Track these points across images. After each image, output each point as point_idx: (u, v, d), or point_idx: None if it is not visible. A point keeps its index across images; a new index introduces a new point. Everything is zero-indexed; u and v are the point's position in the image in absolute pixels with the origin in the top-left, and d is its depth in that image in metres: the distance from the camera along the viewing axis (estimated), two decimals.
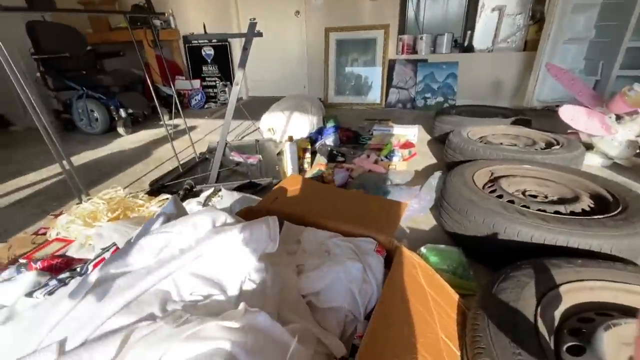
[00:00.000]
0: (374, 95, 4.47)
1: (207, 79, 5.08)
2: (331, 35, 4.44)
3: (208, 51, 4.99)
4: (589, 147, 2.20)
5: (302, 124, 2.93)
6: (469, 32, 4.13)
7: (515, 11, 3.88)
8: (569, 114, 2.08)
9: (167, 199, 1.74)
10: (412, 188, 1.72)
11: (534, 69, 3.69)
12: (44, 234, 1.58)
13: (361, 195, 1.17)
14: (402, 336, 0.72)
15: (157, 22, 4.58)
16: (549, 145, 1.99)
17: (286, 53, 4.89)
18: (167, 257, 0.58)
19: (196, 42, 4.94)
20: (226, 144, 2.09)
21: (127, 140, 3.32)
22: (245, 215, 0.98)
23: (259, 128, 3.12)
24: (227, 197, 1.52)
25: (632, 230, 1.05)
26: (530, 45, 3.81)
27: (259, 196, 1.66)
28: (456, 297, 0.94)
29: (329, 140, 2.64)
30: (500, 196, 1.37)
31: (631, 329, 0.72)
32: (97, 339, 0.46)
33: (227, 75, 5.02)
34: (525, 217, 1.13)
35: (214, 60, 5.02)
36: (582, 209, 1.29)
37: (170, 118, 3.79)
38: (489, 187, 1.50)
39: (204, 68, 5.05)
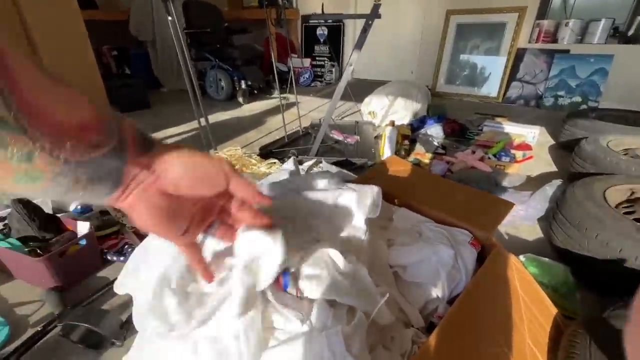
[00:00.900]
0: (490, 88, 4.03)
1: (317, 58, 5.34)
2: (452, 18, 4.11)
3: (322, 31, 5.20)
4: None
5: (405, 111, 2.87)
6: (638, 18, 3.29)
7: None
8: None
9: (274, 162, 1.98)
10: (522, 193, 1.57)
11: None
12: None
13: (463, 186, 1.13)
14: (484, 328, 0.72)
15: (281, 2, 4.99)
16: None
17: (398, 36, 4.75)
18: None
19: (313, 21, 5.19)
20: None
21: (244, 109, 3.80)
22: None
23: (360, 110, 3.18)
24: (327, 170, 1.65)
25: None
26: None
27: (354, 174, 1.75)
28: (554, 310, 0.87)
29: (432, 130, 2.53)
30: (639, 219, 1.14)
31: None
32: None
33: (337, 55, 5.17)
34: None
35: (327, 40, 5.21)
36: None
37: (282, 93, 4.16)
38: (625, 207, 1.27)
39: (316, 47, 5.31)
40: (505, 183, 1.81)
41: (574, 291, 1.05)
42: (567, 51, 3.56)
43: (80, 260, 1.20)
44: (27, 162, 0.23)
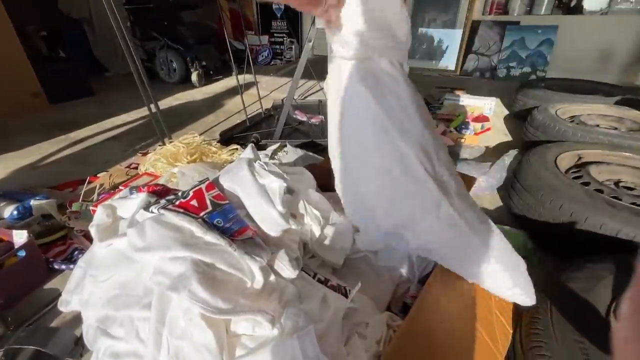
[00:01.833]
0: (448, 61, 4.10)
1: (275, 34, 5.09)
2: None
3: (279, 5, 4.94)
4: None
5: None
6: None
7: None
8: None
9: (237, 149, 1.88)
10: (482, 164, 1.62)
11: None
12: (136, 168, 1.83)
13: None
14: (454, 304, 0.73)
15: None
16: None
17: None
18: None
19: None
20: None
21: (200, 92, 3.56)
22: (310, 171, 1.03)
23: (322, 89, 3.10)
24: (292, 153, 1.59)
25: None
26: None
27: (320, 156, 1.70)
28: None
29: None
30: (586, 183, 1.23)
31: None
32: None
33: (295, 32, 4.97)
34: (614, 209, 1.01)
35: (284, 15, 4.97)
36: None
37: (240, 73, 3.94)
38: (574, 172, 1.35)
39: (274, 23, 5.05)
40: (466, 155, 1.87)
41: (532, 256, 1.12)
42: (517, 23, 3.69)
43: (20, 274, 1.06)
44: None
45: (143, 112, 2.73)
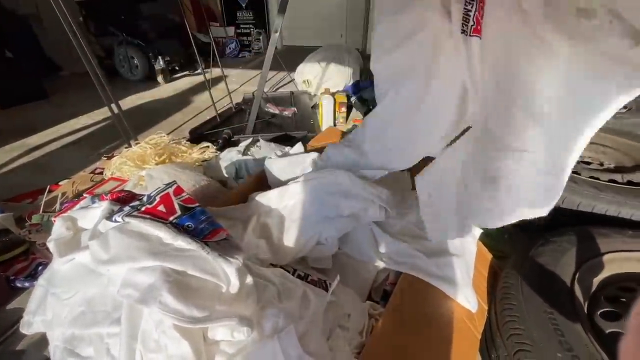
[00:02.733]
0: None
1: (241, 26, 4.93)
2: None
3: None
4: None
5: (339, 77, 2.82)
6: None
7: None
8: None
9: (208, 146, 1.82)
10: None
11: None
12: (101, 173, 1.73)
13: None
14: (432, 288, 0.75)
15: None
16: None
17: None
18: None
19: None
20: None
21: (166, 88, 3.41)
22: None
23: (293, 80, 3.06)
24: (265, 148, 1.56)
25: None
26: None
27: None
28: (489, 256, 0.95)
29: (366, 94, 2.54)
30: None
31: None
32: None
33: (262, 22, 4.83)
34: (574, 184, 1.07)
35: (249, 5, 4.81)
36: None
37: (207, 67, 3.80)
38: None
39: (239, 14, 4.89)
40: None
41: (503, 233, 1.17)
42: None
43: None
44: None
45: (105, 112, 2.57)
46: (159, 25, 3.84)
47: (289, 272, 0.72)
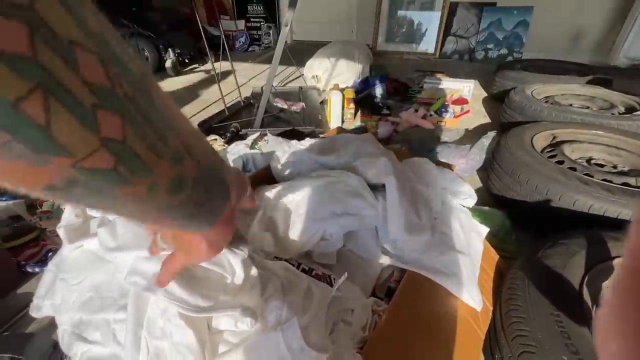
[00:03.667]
0: (428, 44, 4.10)
1: (252, 19, 4.92)
2: None
3: None
4: None
5: (348, 73, 2.80)
6: None
7: None
8: None
9: (216, 139, 1.83)
10: (461, 147, 1.64)
11: (629, 16, 3.10)
12: None
13: (405, 153, 1.15)
14: (436, 286, 0.75)
15: None
16: (630, 110, 1.74)
17: None
18: None
19: None
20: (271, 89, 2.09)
21: (175, 81, 3.43)
22: None
23: (302, 75, 3.04)
24: (273, 142, 1.56)
25: None
26: None
27: None
28: (496, 257, 0.94)
29: (375, 91, 2.52)
30: (560, 162, 1.26)
31: None
32: None
33: (272, 16, 4.82)
34: (586, 186, 1.05)
35: None
36: None
37: (216, 60, 3.80)
38: (549, 151, 1.39)
39: (249, 7, 4.87)
40: (446, 138, 1.89)
41: (510, 234, 1.15)
42: (494, 4, 3.70)
43: None
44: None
45: None
46: (170, 18, 3.85)
47: (293, 265, 0.72)
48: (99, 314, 0.53)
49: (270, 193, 0.85)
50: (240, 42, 4.79)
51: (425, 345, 0.65)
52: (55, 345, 0.81)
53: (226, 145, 1.73)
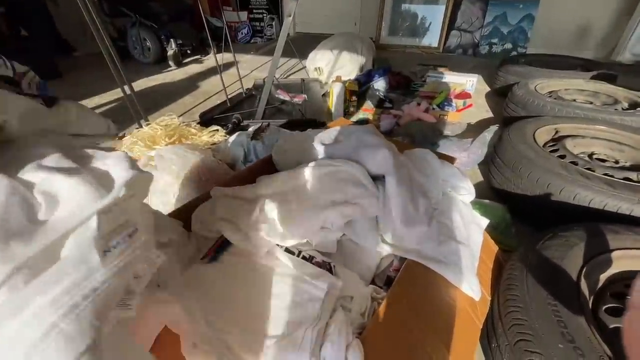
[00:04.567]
0: (431, 38, 4.06)
1: (254, 11, 4.88)
2: None
3: None
4: None
5: (351, 65, 2.79)
6: None
7: None
8: None
9: (217, 130, 1.83)
10: (463, 140, 1.64)
11: (635, 12, 3.07)
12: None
13: (407, 145, 1.15)
14: (435, 275, 0.75)
15: None
16: (633, 106, 1.73)
17: None
18: None
19: None
20: (273, 81, 2.08)
21: (177, 72, 3.41)
22: None
23: (305, 67, 3.03)
24: (275, 133, 1.56)
25: None
26: None
27: None
28: (495, 248, 0.95)
29: (378, 84, 2.51)
30: (562, 156, 1.26)
31: None
32: None
33: (275, 7, 4.77)
34: (587, 180, 1.05)
35: None
36: None
37: (218, 52, 3.78)
38: (551, 146, 1.39)
39: None
40: (448, 132, 1.88)
41: (510, 227, 1.16)
42: None
43: None
44: None
45: (117, 93, 2.60)
46: (172, 8, 3.82)
47: (293, 253, 0.73)
48: None
49: (271, 181, 0.85)
50: (242, 33, 4.76)
51: (423, 331, 0.66)
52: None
53: (228, 136, 1.73)
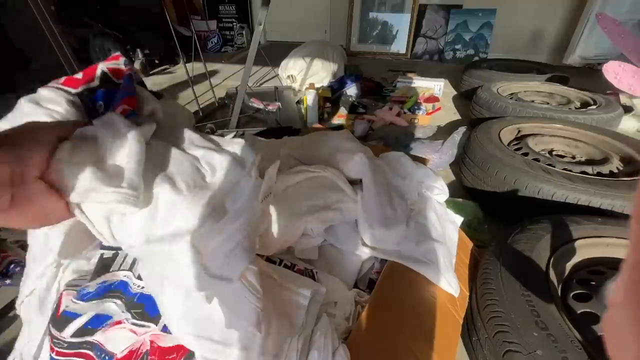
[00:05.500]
0: (399, 45, 4.20)
1: (223, 20, 4.84)
2: None
3: None
4: (627, 109, 2.06)
5: (323, 72, 2.82)
6: None
7: None
8: (613, 71, 1.93)
9: None
10: (434, 142, 1.70)
11: (581, 19, 3.34)
12: None
13: (382, 148, 1.18)
14: (416, 275, 0.77)
15: None
16: (584, 105, 1.88)
17: None
18: None
19: None
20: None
21: (145, 83, 3.30)
22: None
23: (278, 75, 3.03)
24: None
25: None
26: None
27: None
28: (470, 245, 0.98)
29: (351, 90, 2.56)
30: (525, 154, 1.34)
31: None
32: None
33: (245, 16, 4.76)
34: (549, 175, 1.12)
35: None
36: (610, 171, 1.26)
37: (188, 61, 3.71)
38: (515, 144, 1.47)
39: (221, 7, 4.79)
40: (420, 135, 1.95)
41: (483, 223, 1.21)
42: (460, 6, 3.86)
43: None
44: None
45: None
46: (138, 17, 3.71)
47: (275, 262, 0.72)
48: None
49: None
50: (212, 42, 4.69)
51: (407, 332, 0.67)
52: None
53: None
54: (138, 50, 3.44)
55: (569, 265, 0.83)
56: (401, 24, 4.11)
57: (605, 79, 1.96)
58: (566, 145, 1.51)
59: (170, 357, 0.51)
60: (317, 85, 2.43)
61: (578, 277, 0.80)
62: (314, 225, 0.78)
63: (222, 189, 0.45)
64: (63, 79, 0.54)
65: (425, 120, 2.18)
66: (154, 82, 3.31)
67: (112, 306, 0.56)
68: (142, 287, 0.56)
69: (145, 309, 0.54)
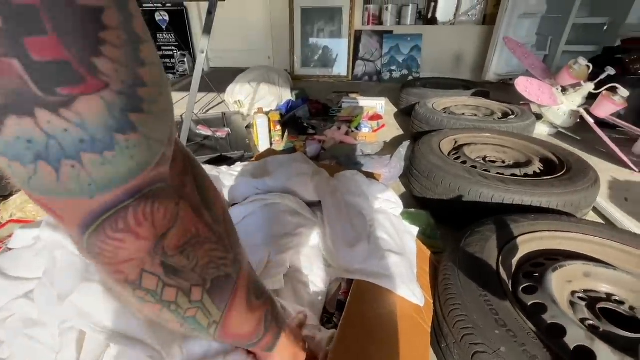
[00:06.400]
0: (340, 68, 4.43)
1: (163, 48, 4.69)
2: (296, 2, 4.25)
3: (162, 17, 4.56)
4: (538, 116, 2.39)
5: (271, 96, 2.85)
6: (432, 4, 4.16)
7: None
8: (523, 85, 2.24)
9: None
10: (383, 157, 1.79)
11: (492, 42, 3.85)
12: None
13: (336, 167, 1.22)
14: (381, 290, 0.78)
15: None
16: (505, 115, 2.14)
17: (249, 21, 4.63)
18: None
19: (149, 5, 4.47)
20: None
21: None
22: None
23: (224, 101, 2.99)
24: None
25: (574, 189, 1.19)
26: (489, 19, 3.95)
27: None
28: (428, 253, 1.03)
29: (299, 112, 2.61)
30: (464, 162, 1.47)
31: (573, 270, 0.84)
32: None
33: (185, 44, 4.66)
34: (486, 180, 1.23)
35: (170, 27, 4.61)
36: (534, 172, 1.43)
37: None
38: (454, 154, 1.60)
39: (159, 36, 4.64)
40: (369, 151, 2.04)
41: (436, 230, 1.28)
42: (391, 32, 4.22)
43: None
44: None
45: None
46: None
47: None
48: None
49: None
50: None
51: (379, 348, 0.67)
52: None
53: None
54: None
55: (515, 261, 0.91)
56: (340, 48, 4.35)
57: (517, 91, 2.26)
58: (496, 151, 1.68)
59: None
60: (265, 110, 2.44)
61: (524, 271, 0.88)
62: (277, 254, 0.76)
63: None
64: None
65: (372, 137, 2.29)
66: None
67: None
68: None
69: None
